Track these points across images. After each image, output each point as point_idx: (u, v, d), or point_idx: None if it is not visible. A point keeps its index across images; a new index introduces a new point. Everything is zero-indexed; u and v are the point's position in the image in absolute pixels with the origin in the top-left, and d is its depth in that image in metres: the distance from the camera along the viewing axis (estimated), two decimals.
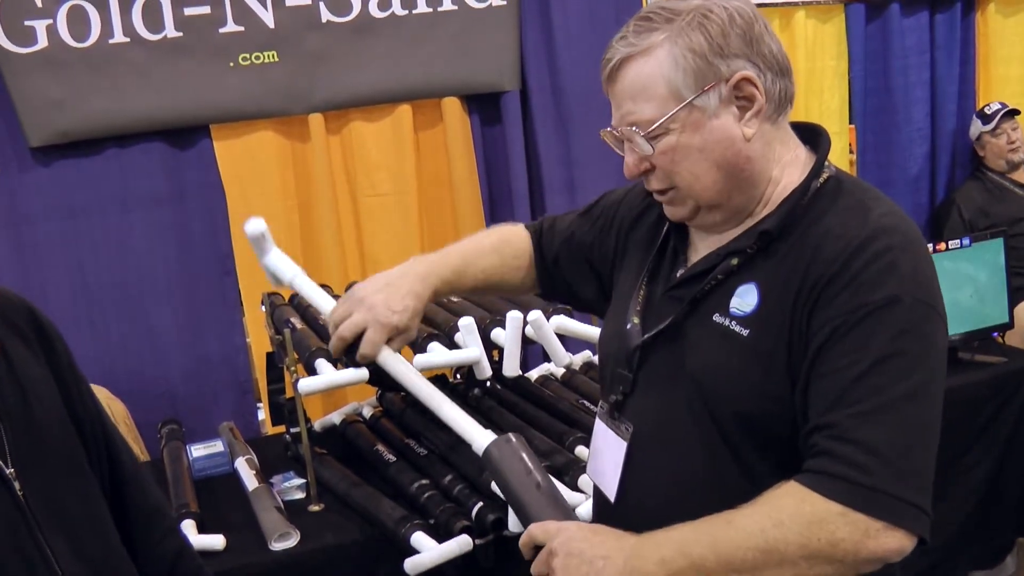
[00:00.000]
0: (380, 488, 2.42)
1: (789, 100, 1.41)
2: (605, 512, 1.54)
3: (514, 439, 1.49)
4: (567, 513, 1.41)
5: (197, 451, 2.76)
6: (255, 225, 1.71)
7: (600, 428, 1.58)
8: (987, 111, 4.40)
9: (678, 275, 1.49)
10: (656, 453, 1.46)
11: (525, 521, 1.41)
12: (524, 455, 1.46)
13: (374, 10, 3.38)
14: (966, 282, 3.22)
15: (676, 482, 1.43)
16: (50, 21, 3.10)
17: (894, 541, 1.23)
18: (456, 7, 3.46)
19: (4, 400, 1.34)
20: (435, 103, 3.49)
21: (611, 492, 1.52)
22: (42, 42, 3.10)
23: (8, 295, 1.48)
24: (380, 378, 2.35)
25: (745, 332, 1.36)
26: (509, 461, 1.46)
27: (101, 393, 3.01)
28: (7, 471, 1.32)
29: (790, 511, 1.24)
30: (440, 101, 3.49)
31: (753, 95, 1.36)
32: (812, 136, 1.48)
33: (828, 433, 1.26)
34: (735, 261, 1.41)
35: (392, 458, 2.52)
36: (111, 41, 3.17)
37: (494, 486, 2.15)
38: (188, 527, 2.32)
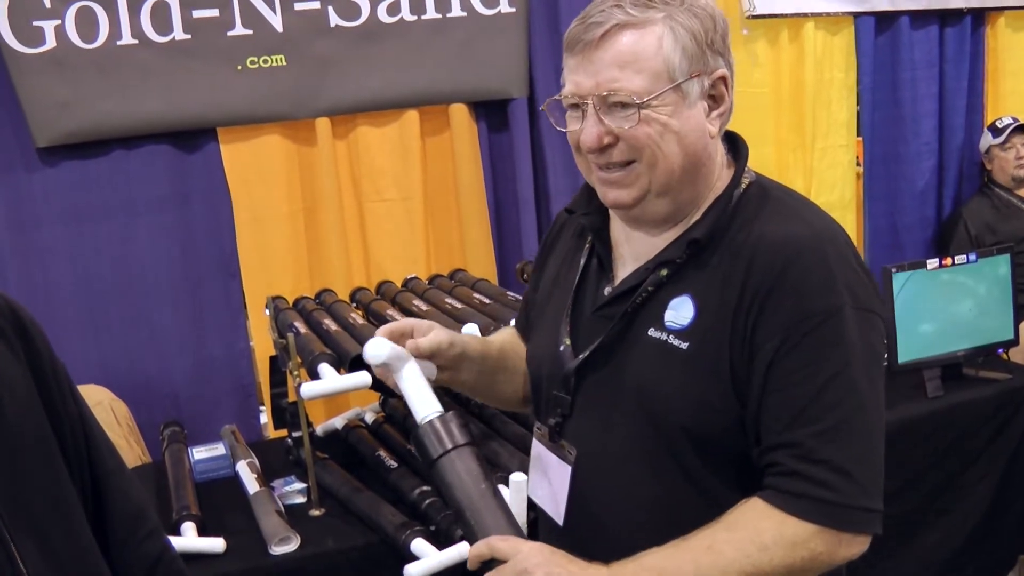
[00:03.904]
0: (381, 494, 2.42)
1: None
2: (553, 536, 1.50)
3: (469, 449, 1.39)
4: (519, 529, 1.36)
5: (199, 453, 2.76)
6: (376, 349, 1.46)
7: (540, 451, 1.55)
8: (998, 124, 4.38)
9: (606, 293, 1.48)
10: (603, 475, 1.45)
11: (481, 533, 1.33)
12: (478, 463, 1.39)
13: (383, 15, 3.37)
14: (967, 296, 3.21)
15: (626, 503, 1.42)
16: (58, 22, 3.09)
17: (860, 545, 1.33)
18: (465, 13, 3.46)
19: None
20: (442, 109, 3.49)
21: (559, 516, 1.50)
22: (50, 43, 3.09)
23: None
24: (383, 384, 2.36)
25: (684, 345, 1.36)
26: (466, 469, 1.37)
27: (103, 394, 3.01)
28: None
29: (772, 535, 1.28)
30: (447, 107, 3.48)
31: (724, 96, 1.40)
32: (730, 143, 1.50)
33: (792, 452, 1.30)
34: (664, 272, 1.41)
35: (394, 464, 2.52)
36: (119, 43, 3.16)
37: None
38: (188, 529, 2.32)
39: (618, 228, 1.52)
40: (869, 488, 1.30)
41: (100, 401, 2.92)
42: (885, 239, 4.44)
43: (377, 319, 2.71)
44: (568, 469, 1.48)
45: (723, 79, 1.39)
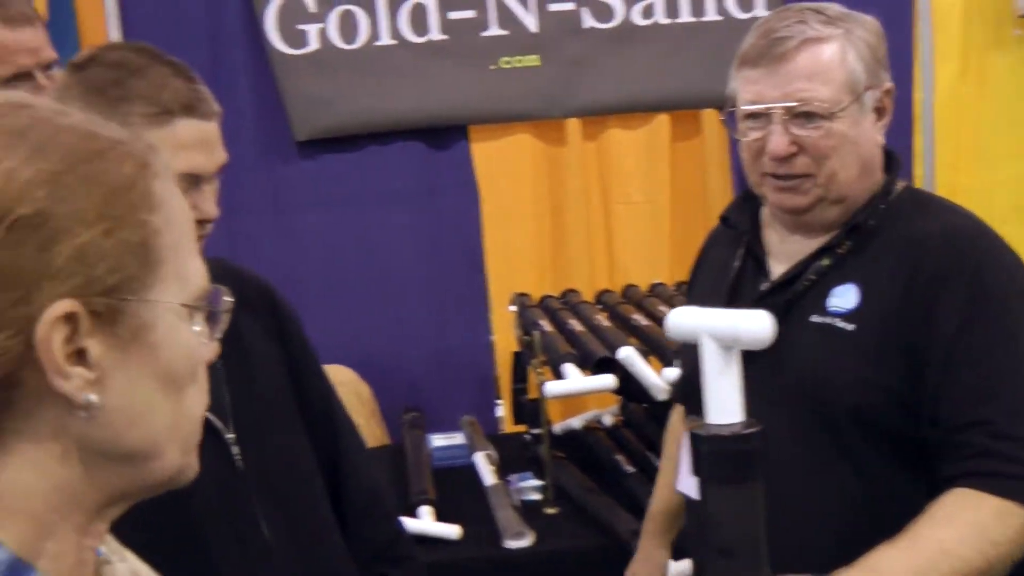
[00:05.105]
0: (615, 499, 2.39)
1: None
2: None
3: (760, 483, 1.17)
4: None
5: (438, 441, 2.83)
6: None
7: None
8: None
9: (763, 288, 1.53)
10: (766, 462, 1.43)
11: None
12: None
13: (636, 18, 3.35)
14: None
15: (788, 485, 1.39)
16: (322, 25, 3.25)
17: None
18: (720, 17, 3.38)
19: (232, 370, 1.39)
20: (693, 114, 3.42)
21: None
22: (313, 44, 3.25)
23: (246, 273, 1.55)
24: (626, 388, 2.34)
25: (850, 327, 1.41)
26: (760, 506, 1.12)
27: (348, 375, 3.13)
28: (227, 435, 1.37)
29: (1001, 529, 1.29)
30: (699, 112, 3.41)
31: (887, 107, 1.50)
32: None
33: (985, 431, 1.32)
34: (827, 261, 1.47)
35: (630, 469, 2.49)
36: (378, 43, 3.29)
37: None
38: (426, 513, 2.37)
39: (772, 234, 1.58)
40: None
41: (344, 382, 3.02)
42: None
43: (622, 322, 2.68)
44: None
45: (888, 92, 1.49)
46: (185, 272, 0.73)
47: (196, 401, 0.75)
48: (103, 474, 0.69)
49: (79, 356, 0.66)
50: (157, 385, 0.70)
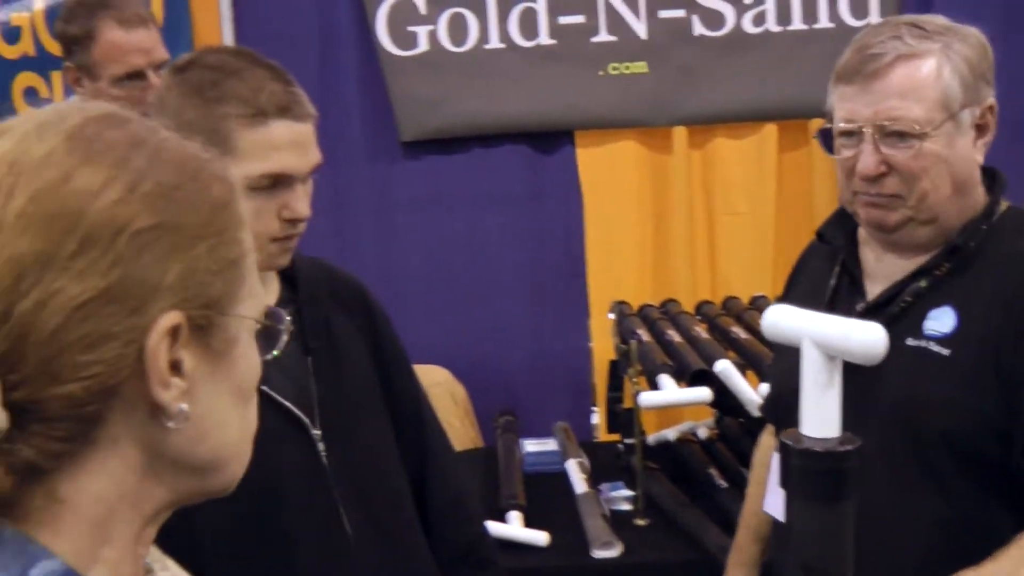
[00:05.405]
0: (707, 512, 2.36)
1: None
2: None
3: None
4: None
5: (530, 446, 2.83)
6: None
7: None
8: None
9: (859, 308, 1.50)
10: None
11: None
12: None
13: (747, 25, 3.29)
14: None
15: (876, 511, 1.35)
16: (432, 27, 3.29)
17: None
18: (832, 25, 3.30)
19: (321, 368, 1.43)
20: (801, 124, 3.33)
21: None
22: (423, 46, 3.29)
23: (340, 273, 1.59)
24: (722, 402, 2.30)
25: (946, 352, 1.39)
26: (850, 525, 1.06)
27: (444, 376, 3.16)
28: (313, 431, 1.39)
29: None
30: (807, 122, 3.33)
31: (990, 124, 1.46)
32: (984, 172, 1.54)
33: None
34: (924, 283, 1.45)
35: (724, 484, 2.46)
36: (487, 47, 3.31)
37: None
38: (515, 518, 2.37)
39: (868, 253, 1.57)
40: None
41: (439, 382, 3.05)
42: None
43: (722, 335, 2.64)
44: None
45: (991, 108, 1.45)
46: (257, 290, 0.75)
47: (254, 415, 0.77)
48: (168, 483, 0.71)
49: (174, 367, 0.67)
50: (232, 398, 0.73)
